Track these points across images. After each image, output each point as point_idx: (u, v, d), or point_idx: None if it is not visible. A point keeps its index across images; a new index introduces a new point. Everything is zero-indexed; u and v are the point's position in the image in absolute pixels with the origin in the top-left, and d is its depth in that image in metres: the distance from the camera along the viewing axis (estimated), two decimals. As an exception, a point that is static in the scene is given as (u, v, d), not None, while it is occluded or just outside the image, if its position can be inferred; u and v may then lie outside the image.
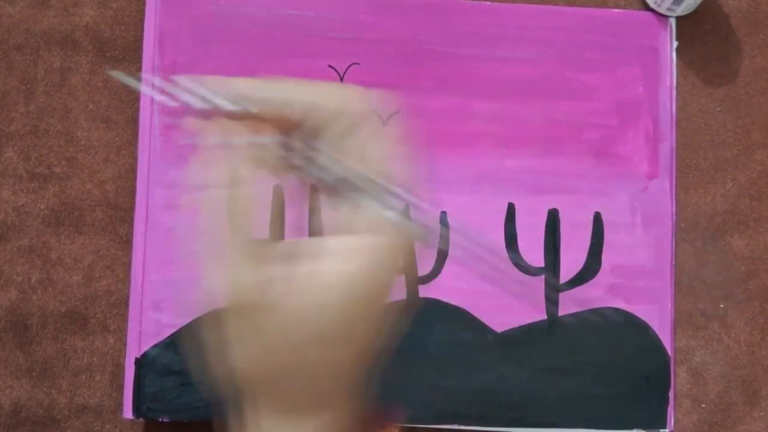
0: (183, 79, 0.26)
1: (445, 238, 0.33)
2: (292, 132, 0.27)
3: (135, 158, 0.52)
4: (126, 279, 0.52)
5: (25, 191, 0.53)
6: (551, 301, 0.53)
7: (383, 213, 0.27)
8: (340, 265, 0.29)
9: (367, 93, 0.28)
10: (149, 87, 0.28)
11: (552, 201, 0.53)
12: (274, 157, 0.27)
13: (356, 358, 0.32)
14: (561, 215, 0.53)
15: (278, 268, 0.28)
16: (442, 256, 0.53)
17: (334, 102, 0.27)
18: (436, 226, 0.28)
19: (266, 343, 0.30)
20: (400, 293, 0.52)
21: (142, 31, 0.52)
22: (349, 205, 0.28)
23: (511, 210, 0.53)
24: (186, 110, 0.27)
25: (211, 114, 0.26)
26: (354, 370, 0.32)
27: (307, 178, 0.26)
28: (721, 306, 0.55)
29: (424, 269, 0.53)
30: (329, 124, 0.28)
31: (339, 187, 0.27)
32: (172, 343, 0.50)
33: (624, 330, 0.53)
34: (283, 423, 0.31)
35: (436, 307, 0.52)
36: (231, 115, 0.26)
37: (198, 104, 0.26)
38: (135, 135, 0.53)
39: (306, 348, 0.30)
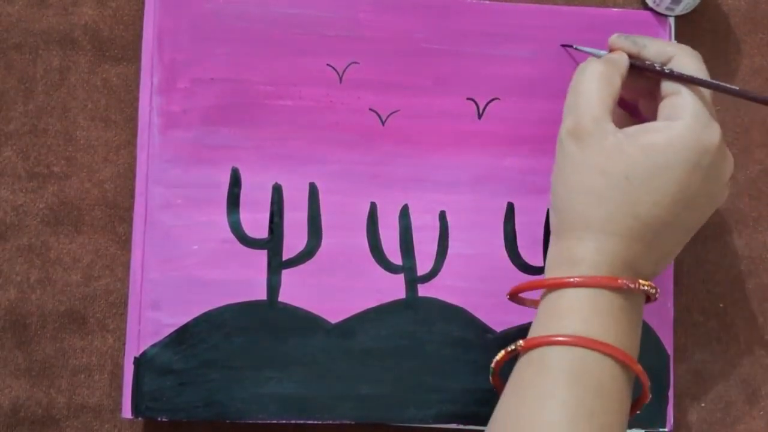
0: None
1: None
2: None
3: (134, 157, 0.52)
4: (125, 278, 0.52)
5: (23, 191, 0.53)
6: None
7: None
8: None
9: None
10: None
11: (551, 200, 0.53)
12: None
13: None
14: (560, 214, 0.53)
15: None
16: (442, 256, 0.53)
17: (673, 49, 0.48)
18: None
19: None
20: (399, 292, 0.52)
21: (141, 30, 0.52)
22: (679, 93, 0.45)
23: (510, 209, 0.53)
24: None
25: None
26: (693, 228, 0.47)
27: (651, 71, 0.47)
28: (721, 305, 0.55)
29: (424, 269, 0.53)
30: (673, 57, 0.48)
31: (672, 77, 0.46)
32: (171, 342, 0.50)
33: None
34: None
35: (436, 306, 0.52)
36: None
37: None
38: (134, 134, 0.53)
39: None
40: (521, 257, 0.53)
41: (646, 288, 0.44)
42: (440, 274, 0.53)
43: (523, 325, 0.52)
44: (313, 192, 0.52)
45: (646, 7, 0.55)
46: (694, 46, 0.56)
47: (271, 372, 0.51)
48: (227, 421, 0.51)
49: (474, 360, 0.52)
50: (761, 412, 0.55)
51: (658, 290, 0.45)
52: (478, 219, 0.53)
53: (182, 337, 0.50)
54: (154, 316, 0.50)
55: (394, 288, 0.52)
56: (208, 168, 0.52)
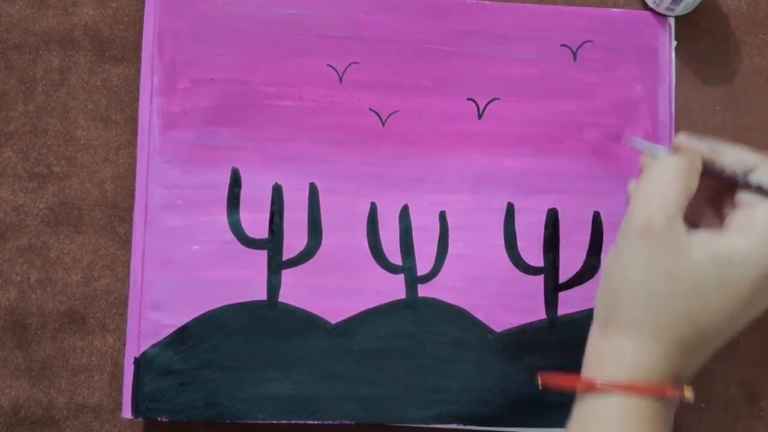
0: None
1: None
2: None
3: (134, 158, 0.52)
4: (125, 278, 0.52)
5: (24, 191, 0.53)
6: (551, 301, 0.53)
7: None
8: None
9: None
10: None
11: (551, 200, 0.53)
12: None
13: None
14: (560, 215, 0.53)
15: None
16: (442, 256, 0.53)
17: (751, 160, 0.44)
18: None
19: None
20: (399, 292, 0.52)
21: (141, 30, 0.52)
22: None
23: (510, 209, 0.53)
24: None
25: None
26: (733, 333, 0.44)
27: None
28: (721, 305, 0.55)
29: (424, 269, 0.53)
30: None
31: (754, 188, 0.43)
32: (171, 342, 0.50)
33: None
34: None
35: (436, 306, 0.52)
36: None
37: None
38: (134, 134, 0.53)
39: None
40: (521, 257, 0.53)
41: (690, 395, 0.42)
42: (440, 274, 0.53)
43: (523, 325, 0.52)
44: (313, 192, 0.52)
45: (646, 7, 0.55)
46: (694, 47, 0.56)
47: (271, 372, 0.51)
48: (227, 422, 0.51)
49: (474, 360, 0.52)
50: (761, 413, 0.55)
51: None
52: (478, 219, 0.53)
53: (182, 337, 0.51)
54: (154, 316, 0.51)
55: (394, 288, 0.52)
56: (209, 168, 0.52)
